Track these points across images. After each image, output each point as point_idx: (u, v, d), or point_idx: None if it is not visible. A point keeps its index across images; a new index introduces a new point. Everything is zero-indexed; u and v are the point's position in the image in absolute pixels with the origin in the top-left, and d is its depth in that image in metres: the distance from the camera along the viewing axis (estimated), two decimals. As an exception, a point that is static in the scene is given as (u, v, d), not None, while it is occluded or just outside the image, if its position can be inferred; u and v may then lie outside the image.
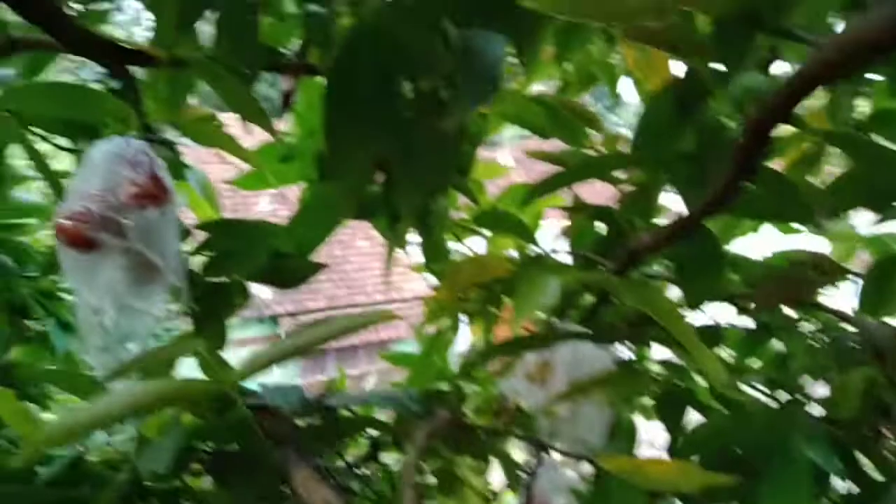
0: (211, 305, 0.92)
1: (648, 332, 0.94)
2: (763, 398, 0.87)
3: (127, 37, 0.72)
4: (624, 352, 0.97)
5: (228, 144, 0.74)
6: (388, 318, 0.50)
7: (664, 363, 1.23)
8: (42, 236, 1.07)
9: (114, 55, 0.49)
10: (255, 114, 0.58)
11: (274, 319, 7.95)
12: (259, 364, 0.48)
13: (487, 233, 1.27)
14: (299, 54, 0.74)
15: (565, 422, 0.81)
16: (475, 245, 1.32)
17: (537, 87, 1.12)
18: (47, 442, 0.42)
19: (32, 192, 1.00)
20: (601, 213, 0.79)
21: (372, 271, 9.18)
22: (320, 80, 0.80)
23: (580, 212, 0.84)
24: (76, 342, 1.09)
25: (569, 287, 0.86)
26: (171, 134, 0.89)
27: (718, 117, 0.58)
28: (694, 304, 0.75)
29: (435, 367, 1.27)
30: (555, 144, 1.01)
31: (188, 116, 0.76)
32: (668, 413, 0.99)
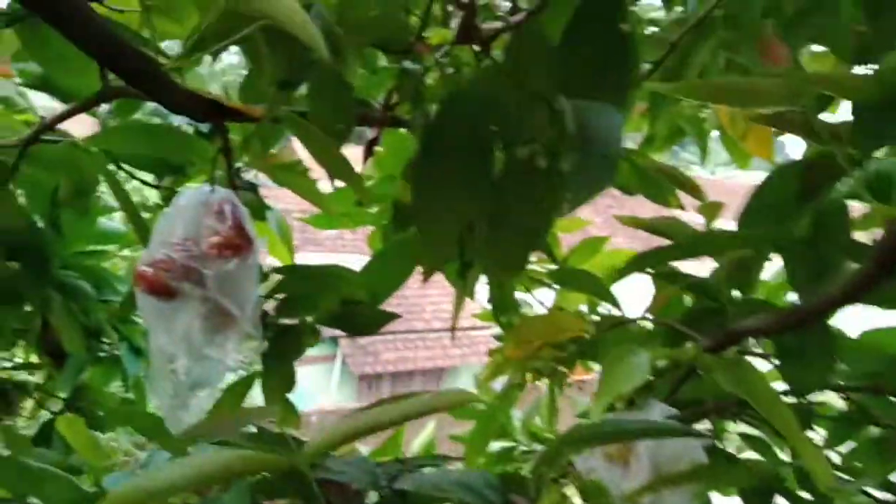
0: (281, 347, 0.91)
1: (738, 412, 0.88)
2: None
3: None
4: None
5: (310, 191, 0.73)
6: (462, 402, 0.47)
7: (746, 437, 1.14)
8: (120, 262, 1.09)
9: (214, 113, 0.48)
10: (342, 171, 0.57)
11: (334, 340, 8.05)
12: (333, 442, 0.46)
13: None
14: (385, 106, 0.73)
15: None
16: (544, 296, 1.28)
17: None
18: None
19: (115, 219, 1.02)
20: (696, 284, 0.74)
21: (431, 297, 9.18)
22: (403, 131, 0.79)
23: (670, 279, 0.78)
24: (146, 367, 1.11)
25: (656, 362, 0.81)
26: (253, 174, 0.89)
27: (839, 200, 0.53)
28: (799, 394, 0.69)
29: (498, 424, 1.22)
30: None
31: (274, 161, 0.75)
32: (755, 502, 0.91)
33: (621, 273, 0.61)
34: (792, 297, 1.08)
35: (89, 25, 0.38)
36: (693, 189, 0.75)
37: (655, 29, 0.76)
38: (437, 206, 0.54)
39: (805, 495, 0.87)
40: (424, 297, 9.10)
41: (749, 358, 0.88)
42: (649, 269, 0.84)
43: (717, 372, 0.65)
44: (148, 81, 0.43)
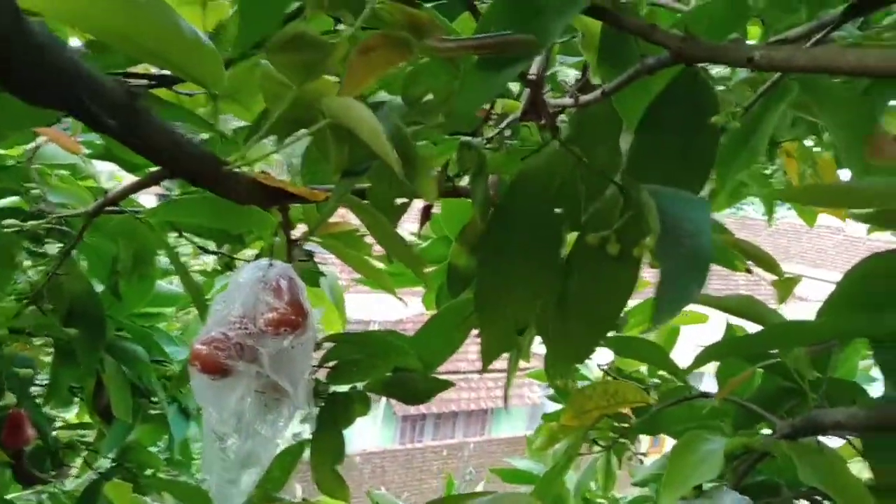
0: (331, 415, 0.89)
1: (818, 499, 0.81)
2: None
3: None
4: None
5: (362, 264, 0.72)
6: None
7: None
8: (175, 321, 1.10)
9: (276, 200, 0.47)
10: (400, 252, 0.55)
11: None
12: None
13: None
14: (444, 176, 0.71)
15: None
16: (601, 357, 1.23)
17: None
18: None
19: (173, 282, 1.03)
20: (774, 365, 0.69)
21: (475, 339, 9.06)
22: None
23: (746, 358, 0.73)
24: (195, 428, 1.10)
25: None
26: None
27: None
28: (890, 490, 0.63)
29: (553, 493, 1.17)
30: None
31: (331, 231, 0.75)
32: None
33: (698, 362, 0.57)
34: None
35: (155, 139, 0.37)
36: (772, 266, 0.71)
37: (722, 87, 0.73)
38: (501, 289, 0.52)
39: None
40: (469, 338, 8.99)
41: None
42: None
43: (798, 464, 0.60)
44: (208, 180, 0.42)
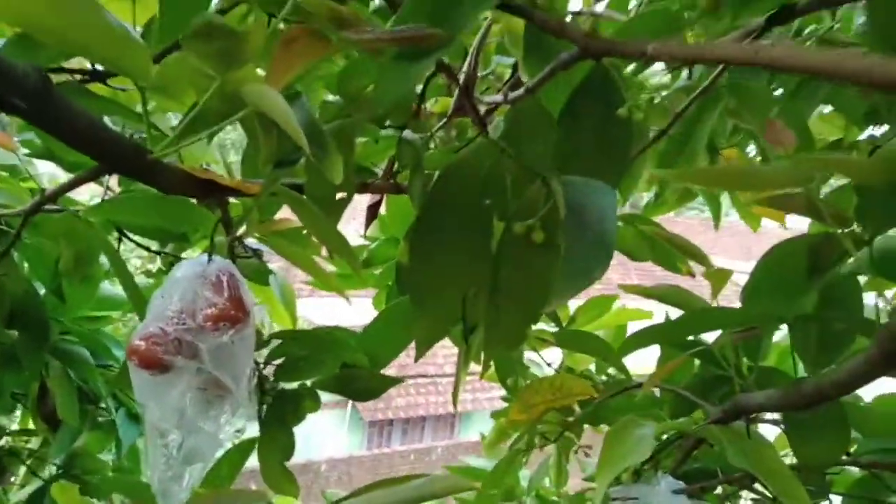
0: (280, 412, 0.89)
1: (748, 481, 0.84)
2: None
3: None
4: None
5: (307, 262, 0.72)
6: (464, 489, 0.45)
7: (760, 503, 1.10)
8: (122, 326, 1.09)
9: (209, 192, 0.48)
10: (338, 246, 0.56)
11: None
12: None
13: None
14: (387, 173, 0.73)
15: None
16: (552, 355, 1.25)
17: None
18: None
19: (117, 285, 1.02)
20: (703, 353, 0.72)
21: (443, 343, 9.07)
22: (405, 196, 0.79)
23: (678, 346, 0.76)
24: (142, 434, 1.09)
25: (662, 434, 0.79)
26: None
27: (850, 276, 0.52)
28: (811, 469, 0.66)
29: (505, 487, 1.19)
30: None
31: (275, 228, 0.75)
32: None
33: (628, 346, 0.60)
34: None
35: (71, 125, 0.38)
36: (700, 258, 0.74)
37: (663, 94, 0.76)
38: (434, 279, 0.54)
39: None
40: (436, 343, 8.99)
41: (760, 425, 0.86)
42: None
43: (728, 447, 0.63)
44: (138, 169, 0.43)
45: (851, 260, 0.48)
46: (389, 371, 0.95)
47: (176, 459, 0.64)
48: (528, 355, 1.23)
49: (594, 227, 0.39)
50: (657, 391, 0.94)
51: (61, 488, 0.84)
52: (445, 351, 9.15)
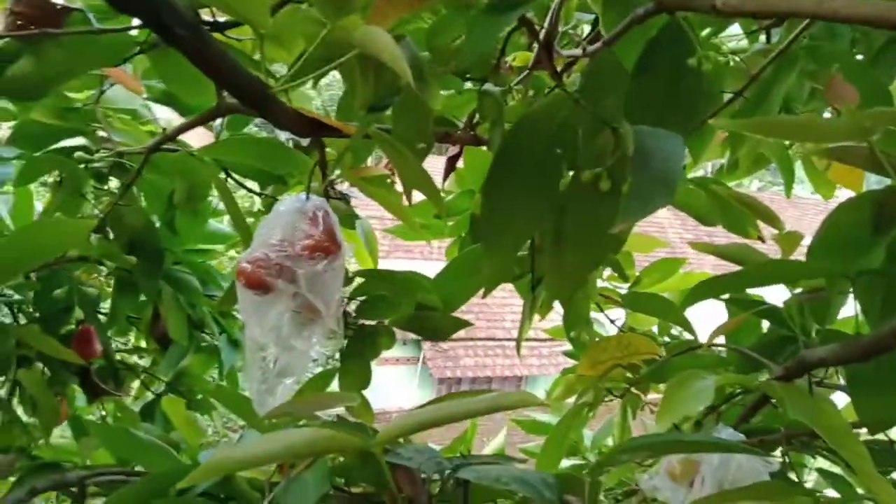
0: (359, 346, 0.98)
1: (810, 443, 0.85)
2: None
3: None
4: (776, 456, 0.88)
5: (393, 204, 0.78)
6: (526, 403, 0.50)
7: (824, 473, 1.10)
8: (226, 261, 1.19)
9: (314, 130, 0.54)
10: (423, 185, 0.61)
11: (417, 343, 8.21)
12: (405, 430, 0.50)
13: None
14: (468, 125, 0.77)
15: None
16: (617, 315, 1.28)
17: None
18: (202, 475, 0.46)
19: (223, 222, 1.12)
20: (769, 311, 0.74)
21: (511, 307, 9.19)
22: (484, 149, 0.83)
23: (742, 305, 0.78)
24: (242, 359, 1.20)
25: (726, 388, 0.81)
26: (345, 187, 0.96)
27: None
28: (872, 430, 0.67)
29: (570, 441, 1.23)
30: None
31: (363, 174, 0.81)
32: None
33: (690, 298, 0.62)
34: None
35: (215, 57, 0.44)
36: (772, 219, 0.75)
37: (738, 58, 0.76)
38: (502, 222, 0.58)
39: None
40: (505, 307, 9.12)
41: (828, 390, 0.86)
42: (722, 296, 0.84)
43: (788, 403, 0.65)
44: (258, 102, 0.49)
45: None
46: (459, 333, 1.01)
47: (271, 373, 0.73)
48: (594, 315, 1.26)
49: (659, 165, 0.42)
50: (724, 352, 0.95)
51: (170, 402, 0.94)
52: (513, 316, 9.21)
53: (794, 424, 0.89)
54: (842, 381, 0.84)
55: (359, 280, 0.93)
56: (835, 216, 0.54)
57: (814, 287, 0.67)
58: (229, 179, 0.93)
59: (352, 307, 0.96)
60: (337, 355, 0.94)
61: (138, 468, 0.76)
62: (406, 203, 0.95)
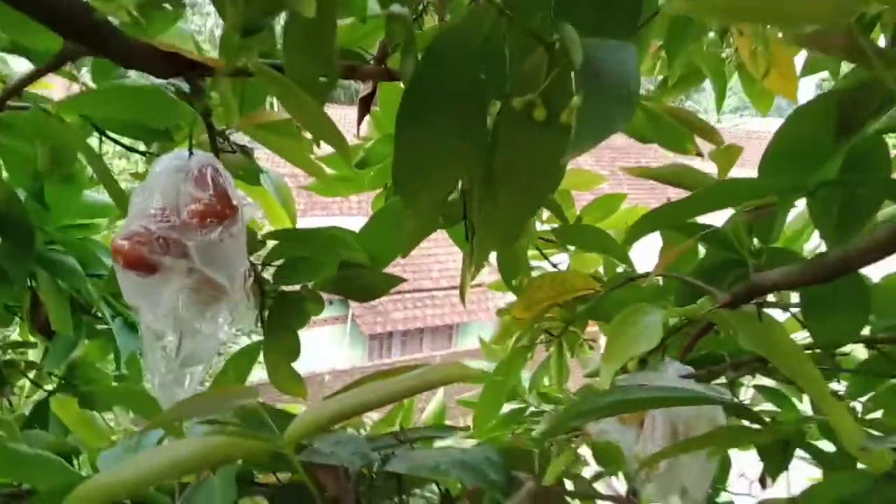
0: (283, 315, 0.88)
1: (759, 368, 0.84)
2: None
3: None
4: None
5: (299, 156, 0.68)
6: (460, 378, 0.43)
7: (762, 389, 1.11)
8: (111, 235, 1.05)
9: (172, 67, 0.43)
10: (326, 131, 0.52)
11: (344, 302, 8.10)
12: (318, 424, 0.42)
13: (572, 247, 1.17)
14: (380, 58, 0.67)
15: (662, 471, 0.72)
16: (559, 261, 1.23)
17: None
18: (86, 500, 0.36)
19: (103, 192, 0.98)
20: (712, 235, 0.69)
21: (437, 256, 9.20)
22: (401, 84, 0.73)
23: (682, 230, 0.73)
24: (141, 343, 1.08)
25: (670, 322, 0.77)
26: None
27: (878, 135, 0.48)
28: (826, 348, 0.65)
29: (508, 387, 1.20)
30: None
31: (261, 121, 0.70)
32: (772, 458, 0.88)
33: (633, 233, 0.56)
34: (812, 245, 1.04)
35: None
36: (710, 134, 0.69)
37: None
38: (420, 166, 0.49)
39: (827, 446, 0.83)
40: (431, 257, 9.13)
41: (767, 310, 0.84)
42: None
43: (741, 332, 0.61)
44: (96, 38, 0.38)
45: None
46: None
47: (175, 362, 0.63)
48: (536, 263, 1.21)
49: (613, 79, 0.34)
50: (660, 281, 0.92)
51: (59, 402, 0.82)
52: (440, 265, 9.25)
53: (738, 350, 0.87)
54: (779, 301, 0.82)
55: (273, 243, 0.83)
56: (790, 124, 0.48)
57: (757, 204, 0.63)
58: (106, 140, 0.80)
59: (269, 274, 0.86)
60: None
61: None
62: (317, 153, 0.84)
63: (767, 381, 1.06)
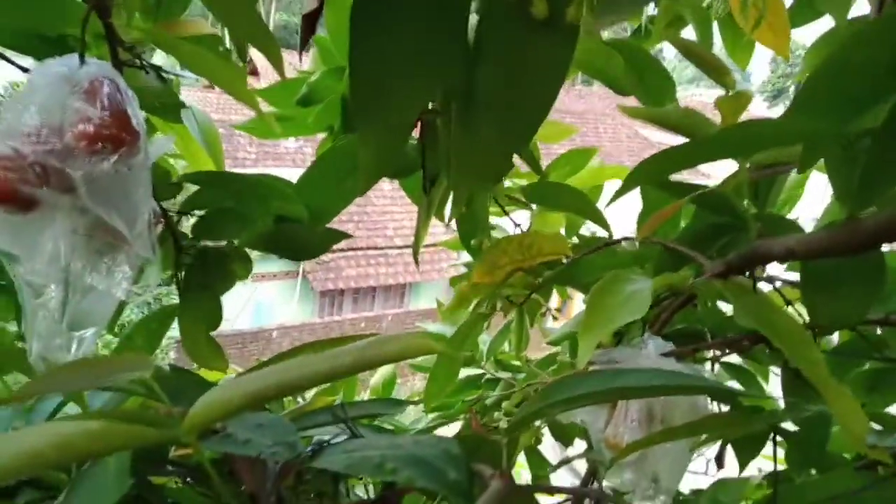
0: (203, 276, 0.76)
1: (750, 349, 0.77)
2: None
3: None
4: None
5: (230, 80, 0.55)
6: (423, 352, 0.33)
7: (729, 366, 1.05)
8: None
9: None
10: (259, 37, 0.40)
11: (295, 255, 7.85)
12: (226, 409, 0.32)
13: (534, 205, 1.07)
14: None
15: (633, 458, 0.65)
16: (522, 219, 1.13)
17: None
18: None
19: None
20: (709, 195, 0.60)
21: (393, 214, 9.04)
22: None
23: (676, 192, 0.65)
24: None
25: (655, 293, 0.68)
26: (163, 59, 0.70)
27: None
28: (828, 329, 0.57)
29: (464, 349, 1.10)
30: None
31: (180, 31, 0.57)
32: (745, 447, 0.82)
33: (628, 182, 0.47)
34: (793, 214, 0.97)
35: None
36: (720, 72, 0.59)
37: None
38: (381, 84, 0.38)
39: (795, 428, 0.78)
40: (386, 214, 8.99)
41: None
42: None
43: (735, 307, 0.53)
44: None
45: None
46: (339, 244, 0.81)
47: (60, 324, 0.51)
48: (495, 220, 1.11)
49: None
50: (637, 246, 0.84)
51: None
52: (395, 224, 9.10)
53: (721, 325, 0.80)
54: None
55: (193, 189, 0.70)
56: (839, 55, 0.39)
57: (771, 161, 0.54)
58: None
59: (188, 225, 0.73)
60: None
61: None
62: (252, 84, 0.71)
63: (733, 358, 1.00)
